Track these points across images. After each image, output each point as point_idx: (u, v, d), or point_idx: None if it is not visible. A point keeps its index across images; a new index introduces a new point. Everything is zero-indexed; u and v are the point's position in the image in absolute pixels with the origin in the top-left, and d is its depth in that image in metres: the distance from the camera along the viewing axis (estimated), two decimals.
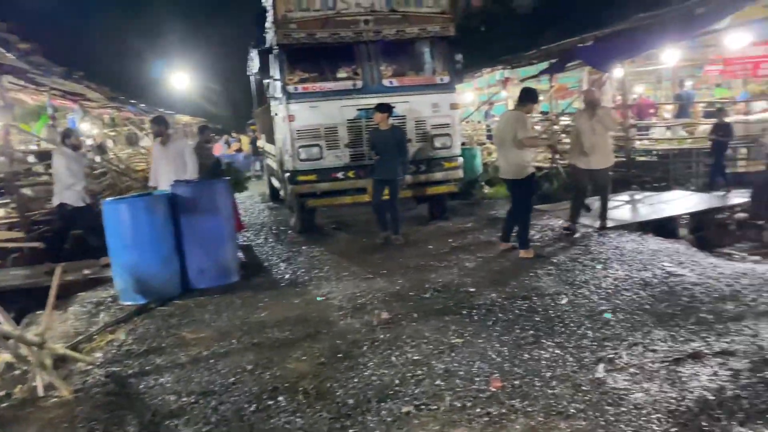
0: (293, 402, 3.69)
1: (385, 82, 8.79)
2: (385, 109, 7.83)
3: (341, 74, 9.06)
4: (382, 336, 4.73)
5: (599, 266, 6.25)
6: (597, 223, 7.89)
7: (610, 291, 5.42)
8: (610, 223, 8.19)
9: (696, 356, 3.89)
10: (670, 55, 16.31)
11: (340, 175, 8.64)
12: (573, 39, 11.82)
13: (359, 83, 8.67)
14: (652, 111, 15.78)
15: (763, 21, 9.14)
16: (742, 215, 8.28)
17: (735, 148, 12.45)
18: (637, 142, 13.21)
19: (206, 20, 37.10)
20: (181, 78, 32.40)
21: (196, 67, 34.55)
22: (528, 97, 6.87)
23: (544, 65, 13.42)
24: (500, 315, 5.01)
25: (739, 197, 9.14)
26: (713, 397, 3.35)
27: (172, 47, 34.90)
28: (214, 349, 4.68)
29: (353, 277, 6.59)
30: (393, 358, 4.28)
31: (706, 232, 8.33)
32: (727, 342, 4.10)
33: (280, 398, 3.75)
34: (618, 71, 13.01)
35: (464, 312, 5.13)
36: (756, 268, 5.81)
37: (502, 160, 7.01)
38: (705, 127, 13.84)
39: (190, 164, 7.58)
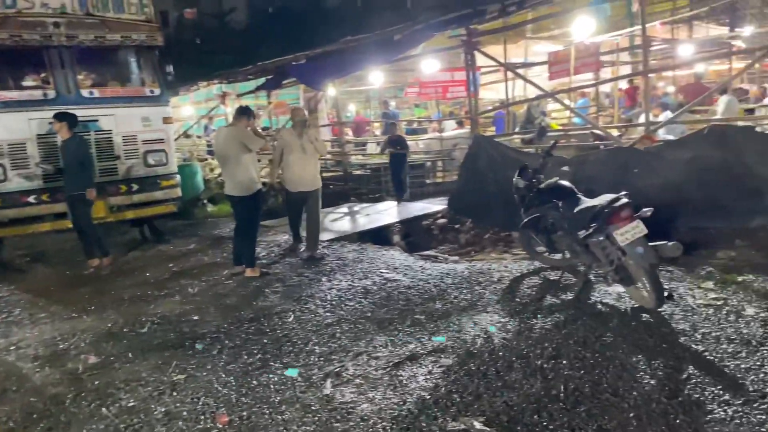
0: None
1: (84, 93, 7.83)
2: (62, 117, 6.97)
3: (28, 82, 7.80)
4: (89, 385, 4.09)
5: (324, 279, 6.37)
6: (304, 253, 7.44)
7: (334, 303, 5.53)
8: (331, 235, 8.50)
9: (412, 358, 4.14)
10: (376, 77, 17.84)
11: (31, 198, 7.43)
12: (287, 57, 12.09)
13: (51, 93, 7.57)
14: (368, 128, 17.00)
15: (449, 49, 10.45)
16: (442, 221, 9.30)
17: (434, 161, 14.13)
18: (353, 157, 14.09)
19: None
20: None
21: None
22: (243, 113, 6.75)
23: (262, 81, 13.48)
24: (226, 342, 4.73)
25: (439, 205, 10.28)
26: (429, 396, 3.57)
27: None
28: None
29: (53, 318, 5.64)
30: (104, 410, 3.71)
31: (415, 237, 9.17)
32: (438, 340, 4.45)
33: None
34: (331, 90, 13.76)
35: (187, 344, 4.73)
36: (456, 268, 6.52)
37: (228, 178, 6.72)
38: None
39: None
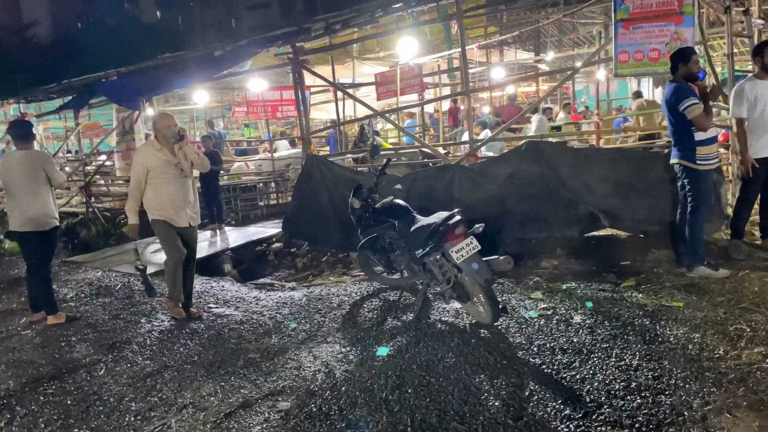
0: None
1: None
2: None
3: None
4: None
5: (144, 320, 5.65)
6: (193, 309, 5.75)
7: (155, 348, 4.88)
8: (152, 269, 7.67)
9: (246, 405, 3.70)
10: (200, 95, 16.98)
11: None
12: (96, 74, 10.95)
13: None
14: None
15: (275, 68, 10.11)
16: (277, 245, 8.88)
17: (266, 182, 13.64)
18: None
19: None
20: None
21: None
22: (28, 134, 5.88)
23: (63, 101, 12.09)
24: (18, 409, 3.91)
25: (273, 228, 9.84)
26: None
27: None
28: None
29: None
30: None
31: (249, 264, 8.64)
32: (274, 380, 4.05)
33: None
34: (148, 110, 12.73)
35: None
36: (293, 296, 6.15)
37: (17, 211, 5.70)
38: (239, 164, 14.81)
39: None
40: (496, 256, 4.50)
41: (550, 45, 20.45)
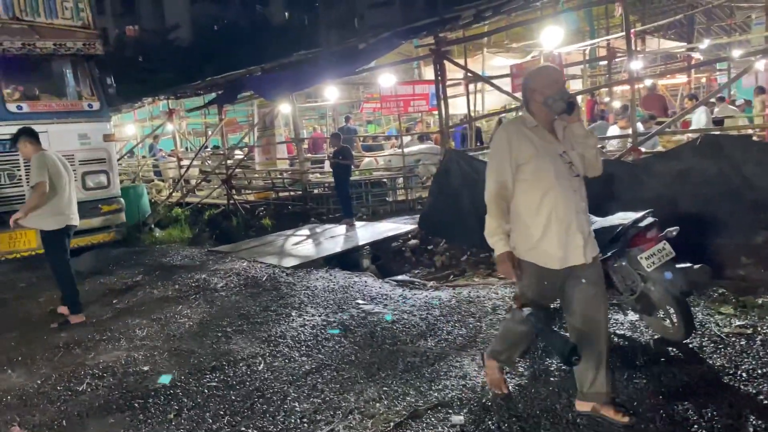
0: None
1: (11, 107, 6.90)
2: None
3: None
4: None
5: (294, 313, 5.61)
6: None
7: (310, 343, 4.78)
8: (295, 261, 7.76)
9: (415, 415, 3.44)
10: (331, 92, 17.21)
11: None
12: (240, 71, 11.35)
13: None
14: (325, 144, 16.34)
15: (404, 62, 9.88)
16: (414, 242, 8.67)
17: (393, 178, 13.53)
18: (311, 175, 13.35)
19: None
20: None
21: None
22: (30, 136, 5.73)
23: (212, 97, 12.64)
24: (185, 401, 3.92)
25: (407, 224, 9.65)
26: None
27: None
28: None
29: None
30: None
31: (386, 260, 8.49)
32: (439, 389, 3.76)
33: None
34: (285, 107, 13.03)
35: (137, 405, 3.90)
36: (441, 296, 5.86)
37: (70, 206, 5.74)
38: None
39: None
40: (691, 265, 3.93)
41: (697, 32, 18.73)
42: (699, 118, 10.27)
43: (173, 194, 13.39)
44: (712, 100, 10.72)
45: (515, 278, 3.13)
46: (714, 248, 5.93)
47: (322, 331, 5.05)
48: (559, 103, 2.96)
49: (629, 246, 3.97)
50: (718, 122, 10.60)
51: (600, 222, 4.42)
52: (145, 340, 5.19)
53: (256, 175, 13.51)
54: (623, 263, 4.05)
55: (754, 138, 6.42)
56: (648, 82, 14.94)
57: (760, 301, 4.70)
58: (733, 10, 15.41)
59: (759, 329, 4.17)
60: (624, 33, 6.62)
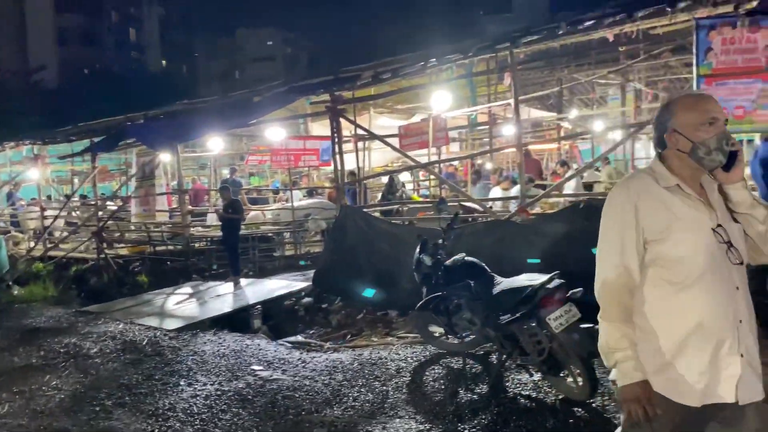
0: None
1: None
2: None
3: None
4: None
5: (183, 382, 5.12)
6: None
7: (205, 416, 4.35)
8: (178, 323, 7.20)
9: None
10: (215, 143, 16.71)
11: None
12: (119, 117, 10.71)
13: None
14: (206, 197, 15.71)
15: (309, 116, 9.85)
16: (307, 300, 8.39)
17: (280, 233, 13.20)
18: (192, 229, 12.67)
19: None
20: None
21: None
22: None
23: (86, 143, 11.75)
24: None
25: (299, 281, 9.34)
26: None
27: None
28: None
29: None
30: None
31: (278, 320, 8.11)
32: None
33: None
34: (167, 156, 12.42)
35: None
36: (342, 359, 5.63)
37: None
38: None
39: None
40: (593, 325, 4.05)
41: (564, 104, 20.55)
42: (571, 183, 11.04)
43: (35, 247, 12.11)
44: (598, 163, 11.61)
45: (638, 419, 1.96)
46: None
47: (217, 401, 4.63)
48: (715, 154, 1.95)
49: (539, 307, 4.05)
50: (587, 187, 11.49)
51: (506, 283, 4.50)
52: (7, 417, 4.46)
53: (132, 228, 12.61)
54: (532, 324, 4.11)
55: None
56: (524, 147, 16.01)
57: None
58: (593, 86, 17.02)
59: None
60: (508, 101, 6.99)
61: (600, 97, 19.26)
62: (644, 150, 16.08)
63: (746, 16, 5.15)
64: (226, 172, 22.05)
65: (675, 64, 12.91)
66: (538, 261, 6.13)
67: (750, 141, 7.69)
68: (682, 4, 5.47)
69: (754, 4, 5.20)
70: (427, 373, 5.08)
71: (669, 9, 5.51)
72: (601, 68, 13.64)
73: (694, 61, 5.47)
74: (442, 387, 4.71)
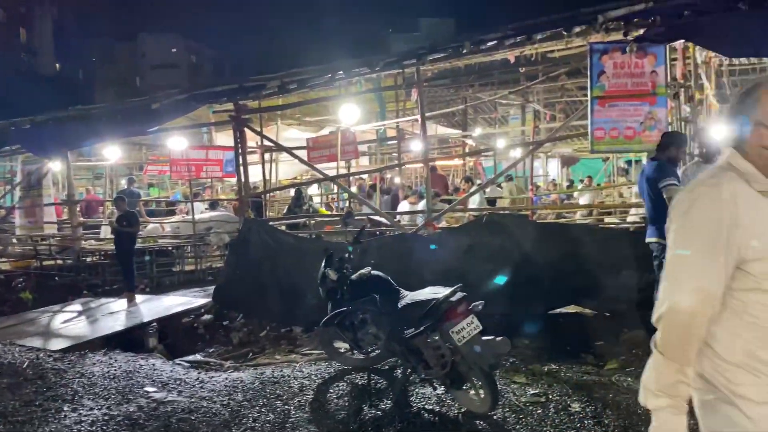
0: None
1: None
2: None
3: None
4: None
5: (66, 407, 4.72)
6: None
7: None
8: (65, 343, 6.69)
9: None
10: (112, 151, 15.83)
11: None
12: (2, 122, 9.86)
13: None
14: (101, 208, 14.80)
15: (213, 125, 9.53)
16: (207, 317, 8.03)
17: (180, 247, 12.64)
18: (84, 242, 11.87)
19: None
20: None
21: None
22: None
23: None
24: None
25: (198, 297, 8.95)
26: None
27: None
28: None
29: None
30: None
31: (175, 339, 7.71)
32: None
33: None
34: (57, 164, 11.61)
35: None
36: (242, 378, 5.42)
37: None
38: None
39: None
40: (494, 337, 4.14)
41: (469, 122, 21.24)
42: (475, 198, 11.36)
43: None
44: (500, 179, 11.99)
45: None
46: (499, 318, 6.43)
47: (106, 427, 4.29)
48: None
49: (442, 320, 4.06)
50: (491, 202, 11.87)
51: (411, 296, 4.49)
52: None
53: (15, 241, 11.64)
54: (436, 337, 4.11)
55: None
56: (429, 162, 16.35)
57: (545, 368, 5.11)
58: (495, 106, 17.71)
59: (550, 397, 4.49)
60: (416, 117, 7.09)
61: (502, 117, 20.09)
62: (542, 167, 16.89)
63: (635, 42, 5.52)
64: (123, 183, 20.97)
65: (570, 86, 13.68)
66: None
67: (638, 161, 8.23)
68: (577, 29, 5.78)
69: (641, 31, 5.58)
70: (331, 390, 4.97)
71: (566, 33, 5.81)
72: (503, 89, 14.22)
73: (589, 83, 5.78)
74: (346, 404, 4.62)
